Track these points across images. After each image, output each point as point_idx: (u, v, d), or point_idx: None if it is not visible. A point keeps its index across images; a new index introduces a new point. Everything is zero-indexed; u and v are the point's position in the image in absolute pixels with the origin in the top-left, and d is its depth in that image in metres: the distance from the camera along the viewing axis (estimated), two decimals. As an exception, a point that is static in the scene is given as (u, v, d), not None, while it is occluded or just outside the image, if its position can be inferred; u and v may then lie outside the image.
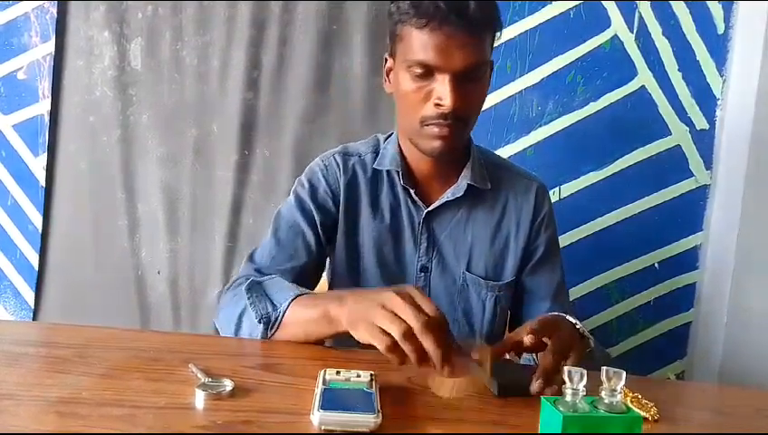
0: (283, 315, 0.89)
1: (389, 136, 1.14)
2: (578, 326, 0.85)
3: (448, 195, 1.07)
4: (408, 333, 0.69)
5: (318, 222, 1.08)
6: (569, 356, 0.77)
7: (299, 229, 1.08)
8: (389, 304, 0.72)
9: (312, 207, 1.08)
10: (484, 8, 0.93)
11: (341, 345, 0.91)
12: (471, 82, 0.96)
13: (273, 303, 0.91)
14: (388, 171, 1.09)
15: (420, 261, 1.08)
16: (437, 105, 0.95)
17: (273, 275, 1.00)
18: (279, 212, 1.11)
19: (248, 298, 0.93)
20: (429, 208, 1.07)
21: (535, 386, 0.72)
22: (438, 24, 0.91)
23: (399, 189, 1.09)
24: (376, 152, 1.12)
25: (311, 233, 1.07)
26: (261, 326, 0.89)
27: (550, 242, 1.14)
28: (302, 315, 0.87)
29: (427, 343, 0.69)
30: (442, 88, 0.93)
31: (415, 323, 0.69)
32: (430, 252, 1.08)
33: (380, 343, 0.71)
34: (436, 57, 0.92)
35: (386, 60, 1.05)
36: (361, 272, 1.09)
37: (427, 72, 0.94)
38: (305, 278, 1.06)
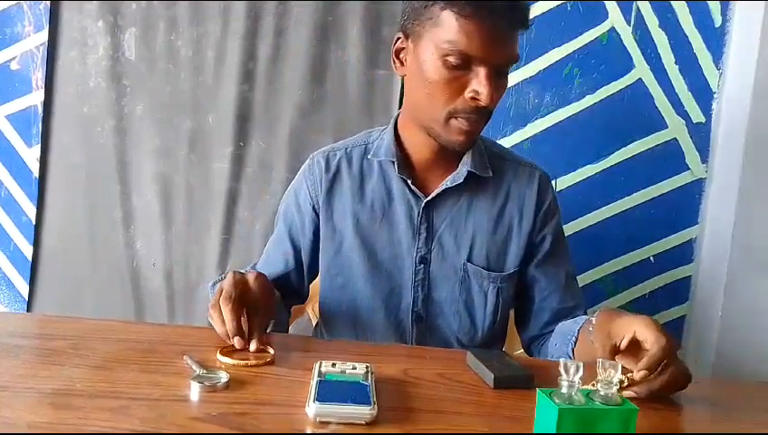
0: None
1: (385, 128, 1.10)
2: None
3: (448, 182, 1.03)
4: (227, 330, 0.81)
5: (299, 230, 1.10)
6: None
7: (280, 238, 1.12)
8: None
9: (295, 216, 1.10)
10: (525, 5, 0.93)
11: (338, 338, 0.91)
12: (501, 77, 0.94)
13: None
14: (380, 163, 1.06)
15: (419, 252, 1.04)
16: (474, 99, 0.91)
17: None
18: (276, 218, 1.17)
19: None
20: (429, 197, 1.04)
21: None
22: (487, 14, 0.87)
23: (394, 180, 1.05)
24: (364, 145, 1.09)
25: (288, 242, 1.11)
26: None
27: (556, 232, 1.10)
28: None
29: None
30: (479, 81, 0.90)
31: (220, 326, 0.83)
32: (430, 243, 1.04)
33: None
34: (479, 48, 0.88)
35: (398, 39, 0.99)
36: (344, 270, 1.07)
37: (465, 62, 0.90)
38: (287, 285, 1.10)
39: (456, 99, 0.92)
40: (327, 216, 1.07)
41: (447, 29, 0.89)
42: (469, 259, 1.05)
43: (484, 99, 0.90)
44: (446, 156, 1.03)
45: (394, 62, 1.00)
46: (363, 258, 1.05)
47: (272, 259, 1.12)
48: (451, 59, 0.90)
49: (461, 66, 0.90)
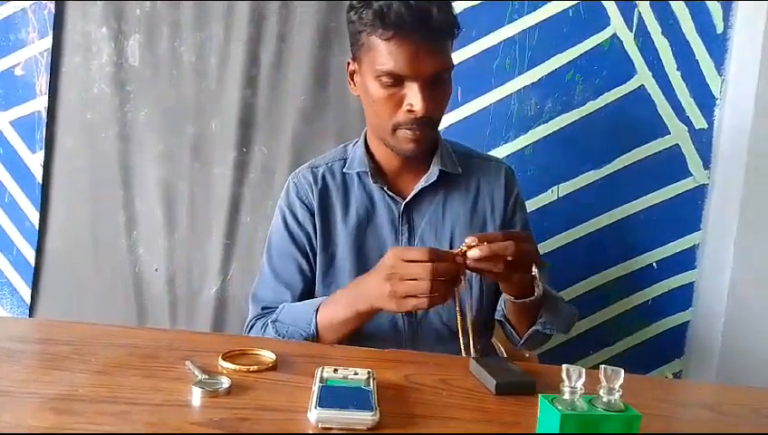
0: (316, 331, 0.99)
1: (356, 142, 1.17)
2: (535, 275, 0.97)
3: (422, 183, 1.10)
4: (429, 286, 0.84)
5: (305, 242, 1.12)
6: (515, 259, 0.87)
7: (290, 255, 1.13)
8: (399, 274, 0.86)
9: (297, 229, 1.13)
10: (446, 14, 0.97)
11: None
12: (438, 86, 1.00)
13: (301, 327, 1.00)
14: (358, 174, 1.13)
15: None
16: (410, 111, 0.99)
17: (283, 305, 1.08)
18: (269, 243, 1.17)
19: (277, 334, 1.02)
20: (407, 199, 1.10)
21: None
22: (405, 34, 0.94)
23: (372, 189, 1.12)
24: (343, 159, 1.15)
25: (301, 256, 1.12)
26: None
27: (524, 219, 1.20)
28: (333, 321, 0.98)
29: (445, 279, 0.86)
30: (413, 95, 0.97)
31: (425, 275, 0.84)
32: (412, 241, 1.11)
33: (419, 306, 0.87)
34: (405, 67, 0.96)
35: (348, 63, 1.08)
36: (337, 278, 1.11)
37: (397, 80, 0.98)
38: (309, 297, 1.11)
39: (396, 112, 1.00)
40: (321, 226, 1.12)
41: (376, 53, 0.98)
42: (451, 250, 1.09)
43: (419, 111, 0.97)
44: (414, 161, 1.11)
45: (349, 83, 1.10)
46: (354, 265, 1.09)
47: (288, 278, 1.12)
48: (384, 79, 0.98)
49: (395, 84, 0.98)
